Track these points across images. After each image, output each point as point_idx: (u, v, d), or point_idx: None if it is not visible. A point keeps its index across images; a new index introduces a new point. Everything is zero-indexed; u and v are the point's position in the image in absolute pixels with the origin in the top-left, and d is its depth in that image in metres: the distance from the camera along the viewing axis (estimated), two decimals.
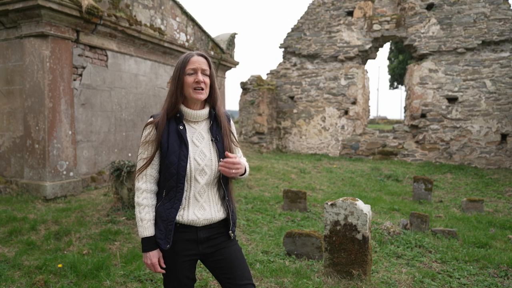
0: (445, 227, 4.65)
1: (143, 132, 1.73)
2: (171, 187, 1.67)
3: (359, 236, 3.00)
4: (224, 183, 1.75)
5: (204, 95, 1.70)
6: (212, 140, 1.74)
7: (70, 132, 5.89)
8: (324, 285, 3.04)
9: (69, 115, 5.88)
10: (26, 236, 4.07)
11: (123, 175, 4.79)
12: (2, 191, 5.62)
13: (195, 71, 1.68)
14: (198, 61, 1.69)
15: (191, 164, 1.66)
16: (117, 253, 3.65)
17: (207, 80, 1.71)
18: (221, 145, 1.73)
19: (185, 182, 1.67)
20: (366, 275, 3.02)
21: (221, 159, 1.70)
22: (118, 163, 4.90)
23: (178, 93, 1.70)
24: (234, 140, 1.83)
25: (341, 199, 3.10)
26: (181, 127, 1.70)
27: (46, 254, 3.62)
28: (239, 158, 1.85)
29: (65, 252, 3.71)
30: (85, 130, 6.32)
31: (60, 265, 3.29)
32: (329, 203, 3.13)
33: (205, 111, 1.76)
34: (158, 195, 1.73)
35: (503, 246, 4.11)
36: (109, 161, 6.46)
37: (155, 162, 1.71)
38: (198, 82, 1.67)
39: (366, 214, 2.98)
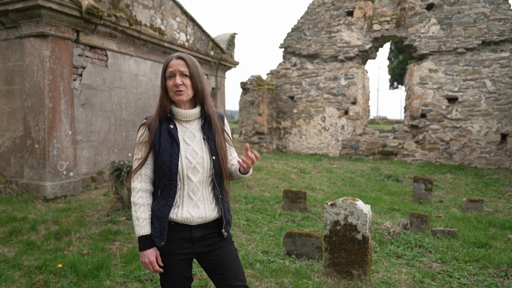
0: (445, 227, 4.65)
1: (137, 133, 1.77)
2: (164, 185, 1.70)
3: (359, 236, 3.00)
4: (217, 182, 1.76)
5: (184, 96, 1.71)
6: (204, 138, 1.75)
7: (70, 132, 5.89)
8: (324, 285, 3.04)
9: (69, 115, 5.88)
10: (26, 236, 4.07)
11: (123, 175, 4.79)
12: (2, 191, 5.62)
13: (173, 74, 1.71)
14: (176, 64, 1.71)
15: (183, 162, 1.69)
16: (117, 253, 3.65)
17: (187, 81, 1.71)
18: (213, 143, 1.75)
19: (178, 180, 1.69)
20: (366, 275, 3.02)
21: (213, 157, 1.73)
22: (118, 163, 4.90)
23: (165, 96, 1.74)
24: (228, 138, 1.84)
25: (341, 199, 3.10)
26: (171, 126, 1.73)
27: (46, 254, 3.62)
28: (234, 158, 1.88)
29: (65, 252, 3.71)
30: (85, 130, 6.32)
31: (60, 265, 3.29)
32: (329, 203, 3.13)
33: (196, 110, 1.77)
34: (154, 194, 1.76)
35: (503, 246, 4.11)
36: (109, 161, 6.46)
37: (149, 162, 1.74)
38: (176, 86, 1.69)
39: (366, 214, 2.98)
